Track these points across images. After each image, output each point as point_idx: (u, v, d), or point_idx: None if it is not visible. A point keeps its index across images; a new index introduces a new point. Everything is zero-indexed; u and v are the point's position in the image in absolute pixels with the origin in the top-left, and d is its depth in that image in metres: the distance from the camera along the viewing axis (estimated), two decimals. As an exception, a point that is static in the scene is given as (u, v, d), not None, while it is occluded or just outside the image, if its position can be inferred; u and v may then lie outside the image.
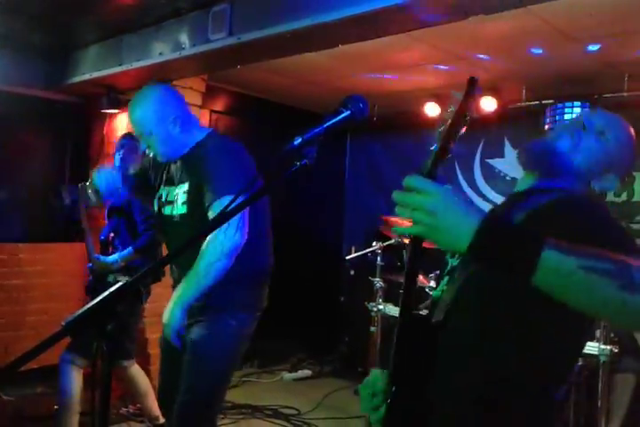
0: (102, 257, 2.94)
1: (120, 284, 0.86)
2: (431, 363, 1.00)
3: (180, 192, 2.05)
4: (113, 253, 2.97)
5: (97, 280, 2.94)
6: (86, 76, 3.89)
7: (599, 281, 0.79)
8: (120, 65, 3.62)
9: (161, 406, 2.36)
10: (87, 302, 0.87)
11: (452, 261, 1.21)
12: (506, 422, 1.04)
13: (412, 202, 0.86)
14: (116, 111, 4.13)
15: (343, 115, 1.08)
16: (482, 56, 3.53)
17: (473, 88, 0.96)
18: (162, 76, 3.67)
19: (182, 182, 2.06)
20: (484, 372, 1.05)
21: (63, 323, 0.81)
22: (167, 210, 2.10)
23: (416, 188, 0.87)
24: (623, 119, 1.33)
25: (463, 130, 0.96)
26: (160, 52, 3.35)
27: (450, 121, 0.95)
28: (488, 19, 2.75)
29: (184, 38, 3.21)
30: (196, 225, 1.97)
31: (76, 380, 2.75)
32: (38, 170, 4.23)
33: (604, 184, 1.24)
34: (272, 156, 1.05)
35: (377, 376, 1.17)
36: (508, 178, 4.52)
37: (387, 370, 1.14)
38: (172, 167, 2.14)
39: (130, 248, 2.89)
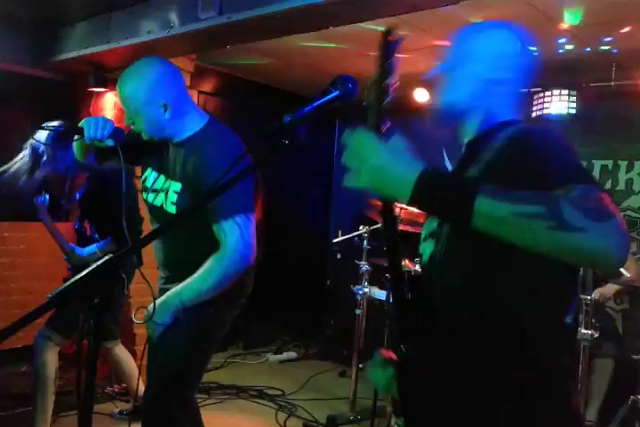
0: (78, 249, 2.78)
1: (106, 258, 0.86)
2: (431, 317, 1.04)
3: (171, 190, 1.93)
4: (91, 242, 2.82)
5: (77, 270, 2.84)
6: (73, 54, 3.83)
7: (528, 224, 0.83)
8: (108, 43, 3.56)
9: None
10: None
11: (432, 224, 1.21)
12: (520, 356, 1.03)
13: (358, 157, 0.92)
14: (102, 90, 4.08)
15: (333, 95, 1.08)
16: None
17: (388, 39, 0.99)
18: (150, 54, 3.61)
19: (175, 179, 1.93)
20: (485, 314, 1.04)
21: (49, 295, 0.81)
22: (150, 197, 2.02)
23: (360, 143, 0.93)
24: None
25: (394, 81, 0.99)
26: (149, 30, 3.30)
27: (378, 75, 0.99)
28: (479, 4, 2.75)
29: (173, 17, 3.17)
30: (185, 226, 1.85)
31: (50, 358, 2.69)
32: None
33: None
34: (261, 133, 1.05)
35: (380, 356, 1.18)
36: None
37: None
38: (162, 150, 2.01)
39: (108, 238, 2.75)
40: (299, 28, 2.97)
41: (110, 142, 1.85)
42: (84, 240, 2.88)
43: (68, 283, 0.85)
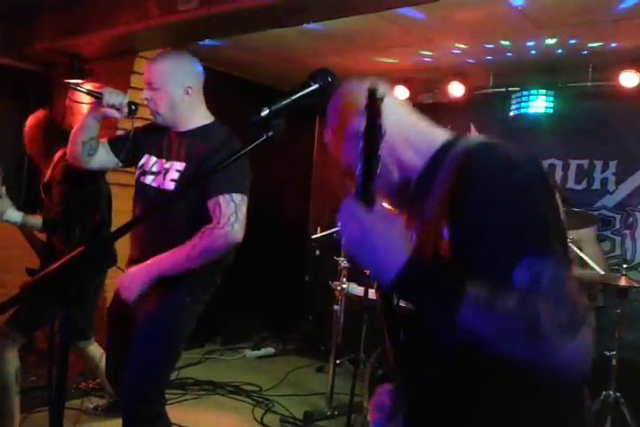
0: (9, 212, 2.57)
1: (80, 249, 0.84)
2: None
3: (173, 169, 1.99)
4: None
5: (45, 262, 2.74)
6: (48, 44, 3.76)
7: (510, 339, 0.83)
8: (84, 33, 3.50)
9: (109, 379, 2.31)
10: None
11: None
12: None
13: (345, 228, 0.89)
14: (79, 81, 4.00)
15: (312, 88, 1.07)
16: (451, 41, 3.54)
17: (374, 98, 0.89)
18: (127, 46, 3.57)
19: (178, 160, 1.99)
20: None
21: (20, 287, 0.80)
22: (148, 179, 2.05)
23: (347, 213, 0.89)
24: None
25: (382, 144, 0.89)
26: (126, 20, 3.25)
27: (364, 140, 0.89)
28: (460, 3, 2.77)
29: (152, 7, 3.12)
30: (180, 206, 1.92)
31: (10, 356, 2.60)
32: (1, 138, 4.08)
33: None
34: (239, 126, 1.04)
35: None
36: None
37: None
38: (165, 138, 2.07)
39: (38, 216, 2.65)
40: (279, 23, 2.96)
41: (132, 106, 2.02)
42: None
43: (42, 273, 0.83)
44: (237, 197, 1.89)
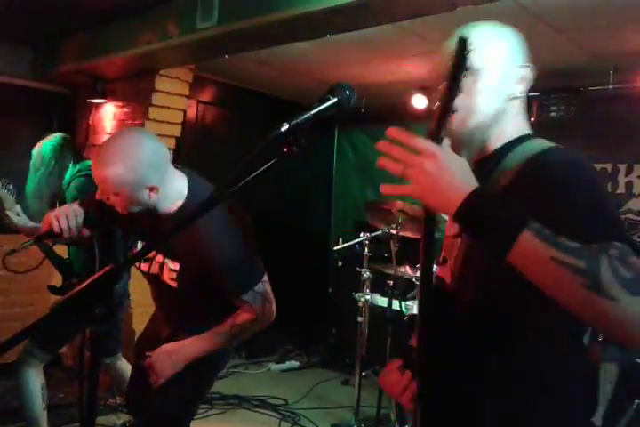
0: (23, 217, 2.61)
1: (107, 268, 0.85)
2: (454, 335, 1.03)
3: (166, 267, 1.81)
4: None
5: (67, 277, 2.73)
6: (72, 66, 3.85)
7: (565, 275, 0.80)
8: (106, 54, 3.58)
9: (126, 398, 2.29)
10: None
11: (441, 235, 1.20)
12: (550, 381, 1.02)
13: (411, 161, 0.89)
14: (102, 101, 4.09)
15: (331, 102, 1.08)
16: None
17: (464, 46, 0.94)
18: (148, 65, 3.64)
19: (170, 257, 1.79)
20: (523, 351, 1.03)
21: (52, 307, 0.81)
22: (144, 267, 1.88)
23: (417, 148, 0.89)
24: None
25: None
26: (147, 40, 3.32)
27: (447, 77, 0.94)
28: (476, 10, 2.76)
29: (172, 27, 3.19)
30: (188, 298, 1.85)
31: (34, 374, 2.62)
32: (23, 160, 4.18)
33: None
34: (259, 141, 1.04)
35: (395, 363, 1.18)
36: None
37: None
38: (148, 221, 1.79)
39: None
40: (296, 37, 2.99)
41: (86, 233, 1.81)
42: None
43: (69, 294, 0.84)
44: (260, 286, 1.79)
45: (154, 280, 1.90)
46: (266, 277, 1.83)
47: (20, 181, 3.43)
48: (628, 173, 3.98)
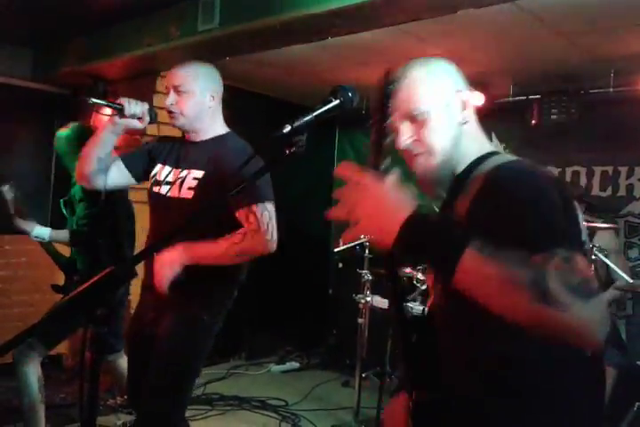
0: (37, 229, 2.66)
1: (109, 269, 0.86)
2: (437, 350, 1.02)
3: (189, 177, 1.96)
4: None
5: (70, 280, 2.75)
6: (73, 67, 3.86)
7: (515, 291, 0.79)
8: (108, 55, 3.59)
9: (129, 397, 2.30)
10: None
11: None
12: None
13: (354, 200, 0.91)
14: (103, 102, 4.09)
15: (333, 104, 1.09)
16: (471, 51, 3.54)
17: (387, 81, 0.99)
18: (150, 66, 3.65)
19: (195, 168, 1.97)
20: (498, 346, 1.00)
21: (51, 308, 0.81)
22: (164, 189, 2.01)
23: (358, 184, 0.91)
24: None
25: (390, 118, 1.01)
26: (148, 42, 3.33)
27: (374, 110, 0.99)
28: (477, 13, 2.77)
29: (173, 29, 3.19)
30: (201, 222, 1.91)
31: (32, 368, 2.64)
32: (25, 161, 4.19)
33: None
34: (261, 143, 1.05)
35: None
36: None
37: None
38: (180, 149, 2.07)
39: (66, 230, 2.74)
40: (297, 39, 3.00)
41: (152, 112, 2.00)
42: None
43: (71, 295, 0.84)
44: (270, 205, 1.89)
45: (163, 204, 1.99)
46: (274, 208, 1.92)
47: (21, 182, 3.44)
48: (629, 175, 3.98)
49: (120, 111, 1.97)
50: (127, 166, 2.12)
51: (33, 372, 2.66)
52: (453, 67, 1.19)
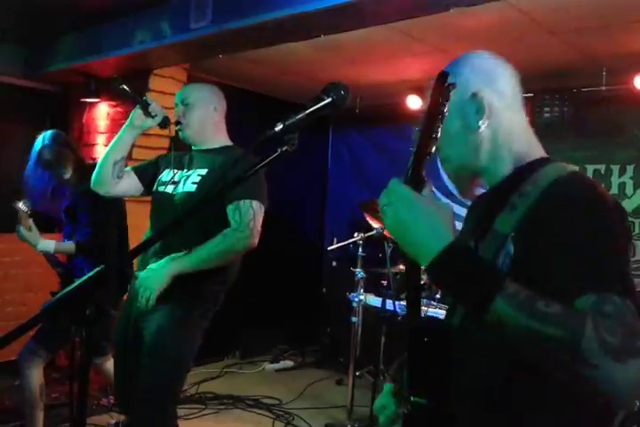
0: (42, 242, 2.70)
1: (98, 268, 0.85)
2: (448, 367, 0.95)
3: (194, 175, 2.08)
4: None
5: (66, 283, 2.76)
6: (65, 65, 3.83)
7: (544, 345, 0.77)
8: (99, 53, 3.57)
9: (116, 397, 2.32)
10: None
11: None
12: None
13: (387, 209, 0.88)
14: (95, 100, 4.07)
15: (325, 102, 1.08)
16: (464, 50, 3.54)
17: (443, 83, 0.90)
18: (143, 64, 3.63)
19: (200, 168, 2.10)
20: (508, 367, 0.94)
21: (41, 307, 0.81)
22: (169, 189, 2.11)
23: (393, 193, 0.88)
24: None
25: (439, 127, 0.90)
26: (141, 40, 3.31)
27: (423, 121, 0.90)
28: (469, 11, 2.77)
29: (165, 27, 3.18)
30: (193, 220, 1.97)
31: (35, 373, 2.65)
32: (17, 160, 4.16)
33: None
34: (253, 141, 1.05)
35: (388, 390, 1.16)
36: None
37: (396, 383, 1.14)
38: (186, 156, 2.20)
39: (71, 241, 2.73)
40: (290, 37, 2.99)
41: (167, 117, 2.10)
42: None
43: (59, 295, 0.84)
44: (256, 204, 1.99)
45: (168, 201, 2.07)
46: (263, 208, 2.03)
47: (10, 181, 3.43)
48: (621, 173, 4.00)
49: (145, 108, 2.04)
50: (139, 177, 2.22)
51: (36, 378, 2.66)
52: (497, 65, 1.15)
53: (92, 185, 2.19)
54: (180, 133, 2.17)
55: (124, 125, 2.12)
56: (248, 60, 3.88)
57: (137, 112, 2.07)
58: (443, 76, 0.90)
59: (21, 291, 3.84)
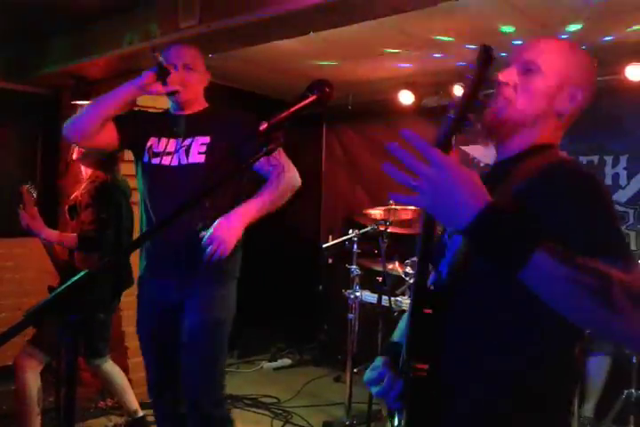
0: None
1: (84, 272, 0.84)
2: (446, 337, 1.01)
3: (196, 143, 2.03)
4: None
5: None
6: (54, 67, 3.81)
7: (577, 293, 0.81)
8: (89, 55, 3.55)
9: (151, 391, 2.26)
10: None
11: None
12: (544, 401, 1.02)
13: (422, 173, 0.86)
14: (86, 102, 4.05)
15: (309, 99, 1.08)
16: (457, 44, 3.53)
17: (487, 56, 0.97)
18: (132, 65, 3.60)
19: (200, 135, 2.04)
20: (519, 355, 1.01)
21: (24, 313, 0.80)
22: (165, 160, 2.04)
23: (428, 159, 0.86)
24: None
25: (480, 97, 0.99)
26: (129, 41, 3.29)
27: (465, 90, 0.97)
28: (459, 5, 2.76)
29: (154, 27, 3.16)
30: (212, 177, 1.97)
31: (32, 377, 2.63)
32: (9, 163, 4.14)
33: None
34: (240, 141, 1.04)
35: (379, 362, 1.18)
36: (482, 165, 4.56)
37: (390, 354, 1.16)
38: (173, 121, 2.12)
39: (74, 234, 2.74)
40: (279, 35, 2.98)
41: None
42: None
43: (43, 301, 0.83)
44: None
45: (169, 174, 2.01)
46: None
47: (4, 184, 3.41)
48: (615, 164, 4.00)
49: (164, 77, 1.98)
50: (118, 130, 2.08)
51: (32, 382, 2.63)
52: (591, 66, 1.21)
53: (68, 134, 2.09)
54: (175, 98, 2.08)
55: (129, 83, 2.00)
56: (237, 58, 3.87)
57: (150, 74, 1.97)
58: (486, 49, 0.98)
59: (16, 296, 3.83)
